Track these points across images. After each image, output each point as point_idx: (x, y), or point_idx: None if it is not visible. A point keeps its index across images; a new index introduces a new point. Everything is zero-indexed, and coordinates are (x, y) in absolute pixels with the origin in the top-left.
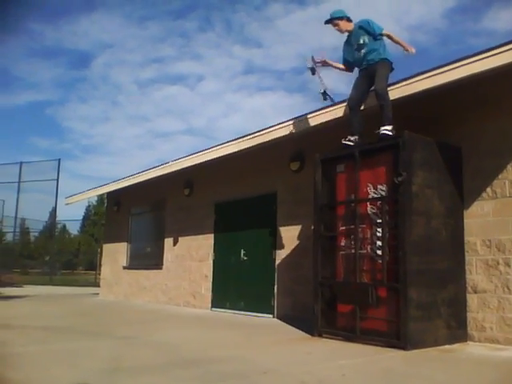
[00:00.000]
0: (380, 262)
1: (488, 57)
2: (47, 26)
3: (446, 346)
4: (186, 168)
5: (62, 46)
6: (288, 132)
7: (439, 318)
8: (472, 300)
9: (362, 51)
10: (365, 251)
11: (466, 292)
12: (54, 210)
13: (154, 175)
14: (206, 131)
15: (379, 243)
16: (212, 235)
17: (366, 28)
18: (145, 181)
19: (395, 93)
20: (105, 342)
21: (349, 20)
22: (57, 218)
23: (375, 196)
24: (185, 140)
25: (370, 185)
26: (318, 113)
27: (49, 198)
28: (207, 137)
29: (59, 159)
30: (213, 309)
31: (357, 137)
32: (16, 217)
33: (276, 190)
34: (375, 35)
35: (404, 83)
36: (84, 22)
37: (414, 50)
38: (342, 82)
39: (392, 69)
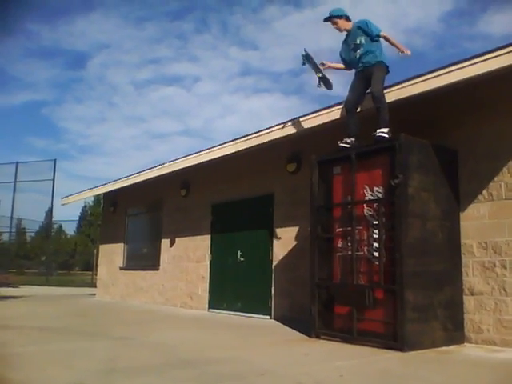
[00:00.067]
0: (377, 263)
1: (484, 60)
2: (44, 26)
3: (443, 348)
4: (183, 169)
5: (58, 46)
6: (285, 134)
7: (436, 319)
8: (469, 302)
9: (358, 52)
10: (361, 253)
11: (462, 294)
12: (50, 210)
13: (151, 176)
14: (202, 132)
15: (376, 245)
16: (209, 236)
17: (363, 28)
18: (141, 181)
19: (391, 95)
20: (101, 342)
21: (348, 19)
22: (53, 219)
23: (372, 198)
24: (181, 141)
25: (366, 187)
26: (314, 115)
27: (45, 198)
28: (204, 138)
29: (55, 159)
30: (210, 310)
31: (353, 139)
32: (12, 217)
33: (273, 191)
34: (373, 36)
35: (400, 86)
36: (81, 22)
37: (409, 52)
38: (338, 85)
39: (388, 71)
